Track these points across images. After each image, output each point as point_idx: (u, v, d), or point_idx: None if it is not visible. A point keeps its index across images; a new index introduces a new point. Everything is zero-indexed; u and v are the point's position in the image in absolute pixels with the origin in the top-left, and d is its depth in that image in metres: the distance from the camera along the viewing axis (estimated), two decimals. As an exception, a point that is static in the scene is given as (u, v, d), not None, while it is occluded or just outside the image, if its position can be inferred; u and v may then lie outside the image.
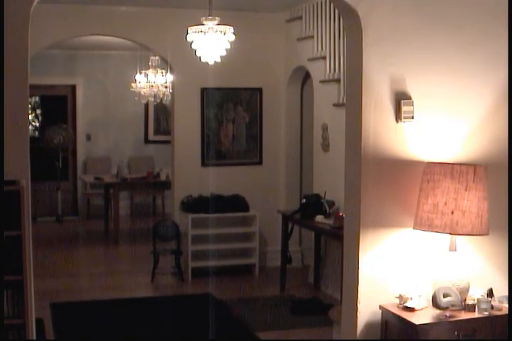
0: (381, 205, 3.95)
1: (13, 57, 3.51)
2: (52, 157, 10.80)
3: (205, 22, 5.50)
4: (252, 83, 7.80)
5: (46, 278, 7.11)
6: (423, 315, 3.73)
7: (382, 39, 3.93)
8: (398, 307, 3.82)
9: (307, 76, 7.61)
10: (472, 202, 3.72)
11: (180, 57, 7.32)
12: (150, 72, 9.02)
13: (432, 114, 4.02)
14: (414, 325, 3.63)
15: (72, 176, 11.51)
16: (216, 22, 5.51)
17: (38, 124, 11.62)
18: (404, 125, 3.97)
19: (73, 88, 11.37)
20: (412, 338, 3.65)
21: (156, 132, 11.75)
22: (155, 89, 9.02)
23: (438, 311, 3.74)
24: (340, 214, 5.80)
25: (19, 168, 3.55)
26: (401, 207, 3.97)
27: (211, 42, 5.49)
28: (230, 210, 7.49)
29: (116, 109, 11.48)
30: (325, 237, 6.90)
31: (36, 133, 11.45)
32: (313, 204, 6.55)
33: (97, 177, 10.15)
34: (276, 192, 7.93)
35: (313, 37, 7.14)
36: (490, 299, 3.84)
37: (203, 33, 5.47)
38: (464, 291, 3.83)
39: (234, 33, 5.57)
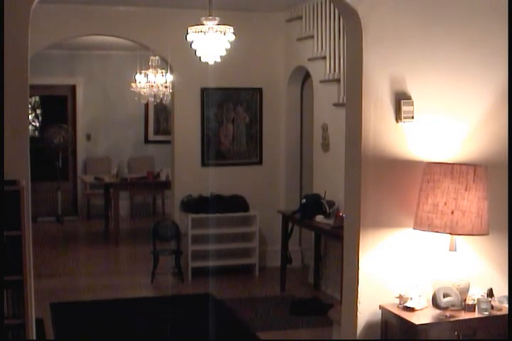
0: (381, 205, 3.95)
1: (13, 57, 3.51)
2: (52, 157, 10.80)
3: (205, 22, 5.50)
4: (252, 83, 7.79)
5: (46, 278, 7.11)
6: (423, 315, 3.73)
7: (382, 39, 3.93)
8: (398, 307, 3.82)
9: (307, 76, 7.61)
10: (472, 202, 3.72)
11: (180, 57, 7.32)
12: (150, 72, 9.02)
13: (432, 114, 4.02)
14: (414, 325, 3.63)
15: (72, 176, 11.51)
16: (216, 22, 5.52)
17: (38, 124, 11.62)
18: (404, 125, 3.97)
19: (73, 88, 11.37)
20: (412, 338, 3.65)
21: (156, 132, 11.75)
22: (155, 89, 9.02)
23: (438, 311, 3.74)
24: (340, 214, 5.80)
25: (19, 168, 3.55)
26: (401, 207, 3.97)
27: (211, 42, 5.50)
28: (230, 210, 7.49)
29: (116, 109, 11.47)
30: (325, 237, 6.90)
31: (36, 133, 11.44)
32: (313, 204, 6.54)
33: (97, 178, 10.13)
34: (276, 192, 7.93)
35: (313, 37, 7.13)
36: (490, 299, 3.84)
37: (202, 33, 5.48)
38: (464, 291, 3.83)
39: (234, 33, 5.57)
